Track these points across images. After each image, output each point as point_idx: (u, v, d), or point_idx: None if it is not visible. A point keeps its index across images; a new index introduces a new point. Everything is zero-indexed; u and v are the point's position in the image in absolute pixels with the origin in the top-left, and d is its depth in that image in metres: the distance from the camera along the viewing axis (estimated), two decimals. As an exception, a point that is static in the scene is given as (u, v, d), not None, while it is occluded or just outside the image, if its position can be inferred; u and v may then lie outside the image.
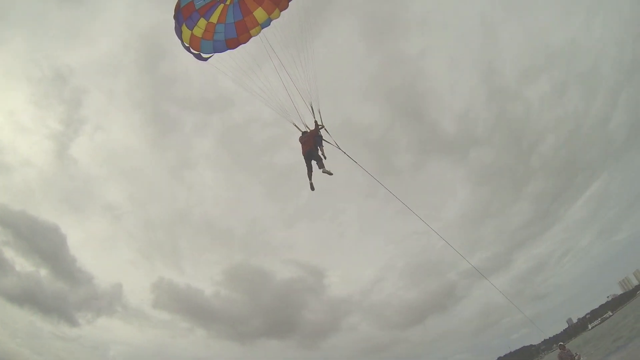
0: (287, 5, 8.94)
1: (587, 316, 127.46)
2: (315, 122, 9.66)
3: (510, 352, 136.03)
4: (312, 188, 9.53)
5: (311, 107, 9.47)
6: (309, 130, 9.83)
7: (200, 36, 9.03)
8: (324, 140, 9.67)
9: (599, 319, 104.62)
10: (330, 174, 9.26)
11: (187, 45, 9.19)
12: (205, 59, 9.42)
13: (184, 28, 8.98)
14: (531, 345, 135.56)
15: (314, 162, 9.56)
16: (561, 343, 11.99)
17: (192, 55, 9.27)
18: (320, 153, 9.61)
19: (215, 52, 9.28)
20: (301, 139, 9.83)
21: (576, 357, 10.63)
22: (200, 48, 9.21)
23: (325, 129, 9.62)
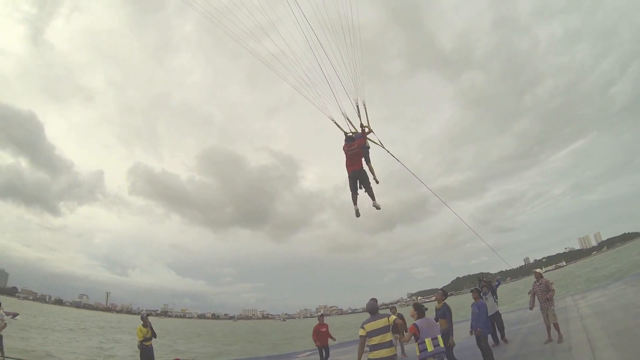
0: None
1: (543, 260, 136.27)
2: (362, 125, 7.78)
3: (469, 275, 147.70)
4: (358, 214, 7.65)
5: (357, 105, 7.58)
6: (354, 135, 7.81)
7: None
8: (369, 143, 8.11)
9: (554, 265, 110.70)
10: (379, 208, 7.63)
11: None
12: None
13: None
14: (488, 273, 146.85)
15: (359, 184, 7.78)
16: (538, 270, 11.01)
17: None
18: (372, 176, 7.94)
19: None
20: (347, 149, 7.75)
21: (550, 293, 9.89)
22: None
23: (373, 133, 7.82)
